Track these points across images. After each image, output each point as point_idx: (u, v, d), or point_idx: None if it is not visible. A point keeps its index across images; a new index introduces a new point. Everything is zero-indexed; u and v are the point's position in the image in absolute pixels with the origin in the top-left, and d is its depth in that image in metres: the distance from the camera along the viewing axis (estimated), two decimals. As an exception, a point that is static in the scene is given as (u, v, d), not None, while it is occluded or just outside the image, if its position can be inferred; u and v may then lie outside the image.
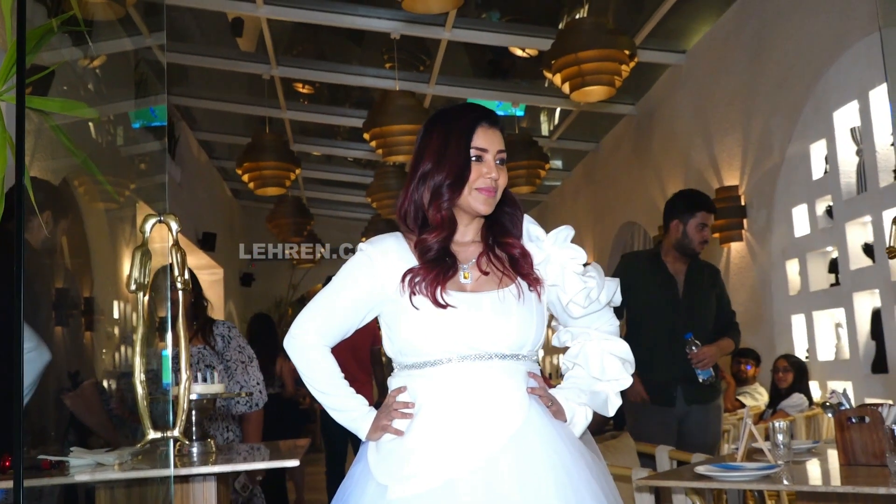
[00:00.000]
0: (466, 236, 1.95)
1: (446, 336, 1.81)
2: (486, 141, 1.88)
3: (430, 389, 1.83)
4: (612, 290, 1.99)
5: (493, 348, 1.83)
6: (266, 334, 6.70)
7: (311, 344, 1.92)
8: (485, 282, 1.89)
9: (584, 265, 1.95)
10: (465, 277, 1.89)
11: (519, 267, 1.91)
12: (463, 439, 1.76)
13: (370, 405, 1.93)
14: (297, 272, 13.82)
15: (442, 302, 1.81)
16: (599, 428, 4.12)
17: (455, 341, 1.81)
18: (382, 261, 1.90)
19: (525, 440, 1.77)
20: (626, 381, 1.99)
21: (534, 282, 1.90)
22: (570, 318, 1.97)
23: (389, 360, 1.98)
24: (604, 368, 1.96)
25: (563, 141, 9.64)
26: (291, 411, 6.72)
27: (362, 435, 1.87)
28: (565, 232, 1.95)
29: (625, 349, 2.00)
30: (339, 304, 1.92)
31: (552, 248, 1.93)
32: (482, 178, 1.87)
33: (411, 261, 1.90)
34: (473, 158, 1.88)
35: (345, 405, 1.91)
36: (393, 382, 1.91)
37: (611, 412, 1.98)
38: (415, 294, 1.83)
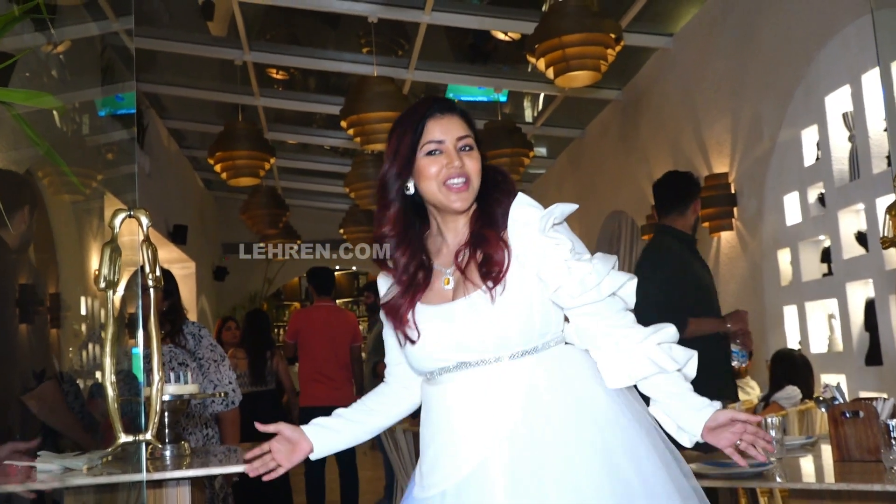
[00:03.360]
0: (458, 235, 1.93)
1: (427, 349, 1.87)
2: (440, 131, 1.87)
3: (432, 400, 1.90)
4: (619, 282, 1.87)
5: (473, 356, 1.83)
6: (261, 330, 6.84)
7: (386, 383, 2.11)
8: (460, 286, 1.88)
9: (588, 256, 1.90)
10: (446, 284, 1.90)
11: (490, 264, 1.84)
12: (454, 451, 1.81)
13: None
14: (272, 266, 13.80)
15: (411, 338, 1.89)
16: None
17: (436, 355, 1.86)
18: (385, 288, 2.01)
19: (516, 448, 1.76)
20: (693, 367, 1.88)
21: (495, 281, 1.83)
22: (564, 308, 1.88)
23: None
24: (671, 358, 1.84)
25: (547, 127, 9.65)
26: (276, 409, 6.76)
27: None
28: (547, 219, 1.86)
29: (671, 332, 1.86)
30: (392, 349, 2.05)
31: (536, 236, 1.85)
32: (446, 169, 1.85)
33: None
34: (431, 153, 1.87)
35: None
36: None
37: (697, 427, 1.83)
38: (394, 322, 1.92)
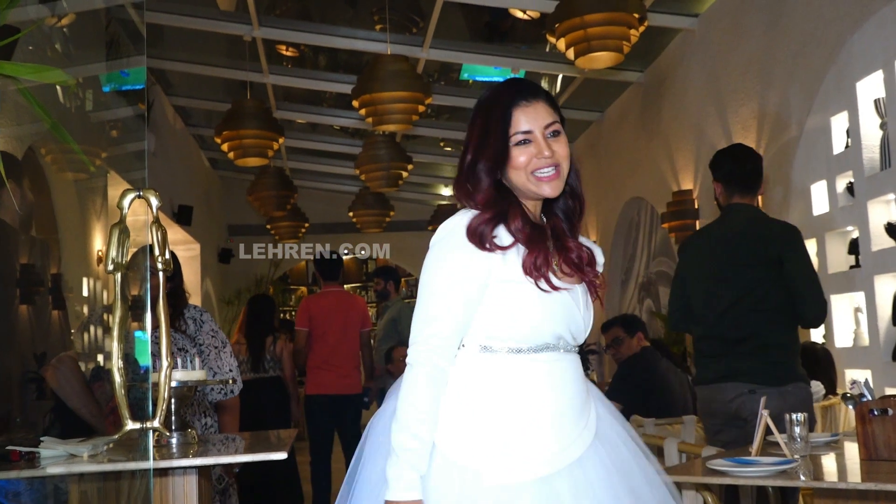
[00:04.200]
0: (537, 221, 2.03)
1: (555, 322, 1.89)
2: (528, 120, 1.91)
3: (535, 377, 1.88)
4: None
5: (574, 340, 1.95)
6: (262, 315, 6.77)
7: (443, 371, 1.87)
8: (569, 275, 1.97)
9: None
10: (558, 267, 1.96)
11: (584, 272, 1.98)
12: (560, 433, 1.85)
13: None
14: (279, 248, 13.81)
15: (556, 284, 1.89)
16: None
17: (564, 332, 1.91)
18: (481, 248, 1.89)
19: (603, 438, 1.92)
20: None
21: (596, 287, 2.01)
22: None
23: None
24: None
25: (565, 110, 9.52)
26: (278, 397, 6.73)
27: (391, 494, 1.80)
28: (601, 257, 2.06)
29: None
30: (459, 314, 1.88)
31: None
32: (536, 160, 1.91)
33: (508, 237, 1.91)
34: (520, 143, 1.91)
35: (417, 464, 1.81)
36: (489, 365, 1.89)
37: None
38: (534, 275, 1.87)
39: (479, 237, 1.86)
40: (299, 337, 6.60)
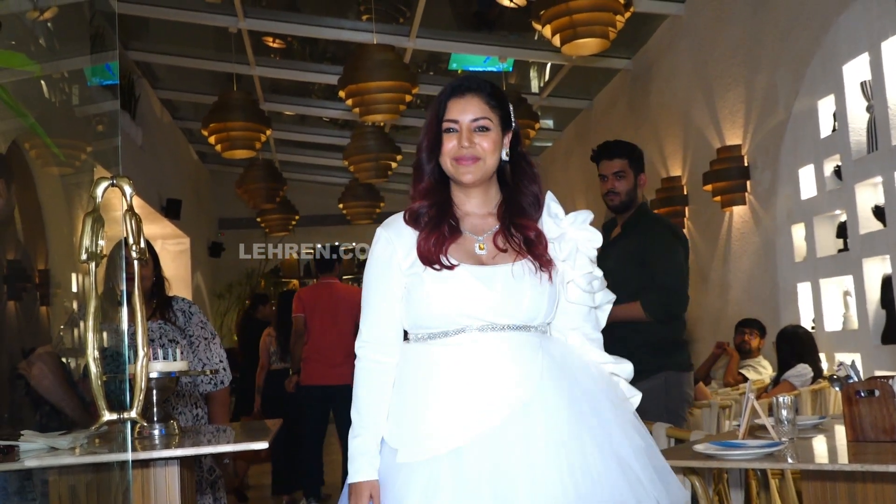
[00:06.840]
0: (481, 208, 2.14)
1: (459, 305, 1.99)
2: (457, 111, 2.08)
3: (443, 360, 2.00)
4: (607, 298, 2.17)
5: (505, 320, 2.00)
6: (289, 309, 7.22)
7: (379, 363, 2.05)
8: (501, 257, 2.07)
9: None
10: (480, 248, 2.08)
11: (533, 248, 2.08)
12: (471, 409, 1.93)
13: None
14: (269, 241, 13.78)
15: (447, 263, 2.01)
16: None
17: (468, 312, 1.99)
18: (398, 240, 2.07)
19: (533, 413, 1.93)
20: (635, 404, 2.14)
21: (546, 263, 2.07)
22: (564, 300, 2.12)
23: None
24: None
25: (553, 98, 9.60)
26: (299, 387, 6.85)
27: (351, 477, 1.99)
28: (585, 215, 2.14)
29: (628, 369, 2.15)
30: (384, 306, 2.07)
31: (569, 227, 2.12)
32: (453, 148, 2.07)
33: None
34: (447, 131, 2.08)
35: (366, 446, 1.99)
36: (407, 352, 2.06)
37: None
38: (425, 261, 2.01)
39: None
40: (297, 323, 6.71)
